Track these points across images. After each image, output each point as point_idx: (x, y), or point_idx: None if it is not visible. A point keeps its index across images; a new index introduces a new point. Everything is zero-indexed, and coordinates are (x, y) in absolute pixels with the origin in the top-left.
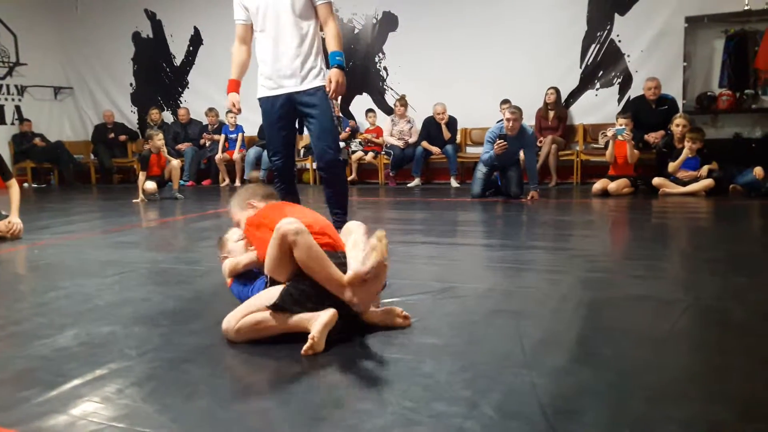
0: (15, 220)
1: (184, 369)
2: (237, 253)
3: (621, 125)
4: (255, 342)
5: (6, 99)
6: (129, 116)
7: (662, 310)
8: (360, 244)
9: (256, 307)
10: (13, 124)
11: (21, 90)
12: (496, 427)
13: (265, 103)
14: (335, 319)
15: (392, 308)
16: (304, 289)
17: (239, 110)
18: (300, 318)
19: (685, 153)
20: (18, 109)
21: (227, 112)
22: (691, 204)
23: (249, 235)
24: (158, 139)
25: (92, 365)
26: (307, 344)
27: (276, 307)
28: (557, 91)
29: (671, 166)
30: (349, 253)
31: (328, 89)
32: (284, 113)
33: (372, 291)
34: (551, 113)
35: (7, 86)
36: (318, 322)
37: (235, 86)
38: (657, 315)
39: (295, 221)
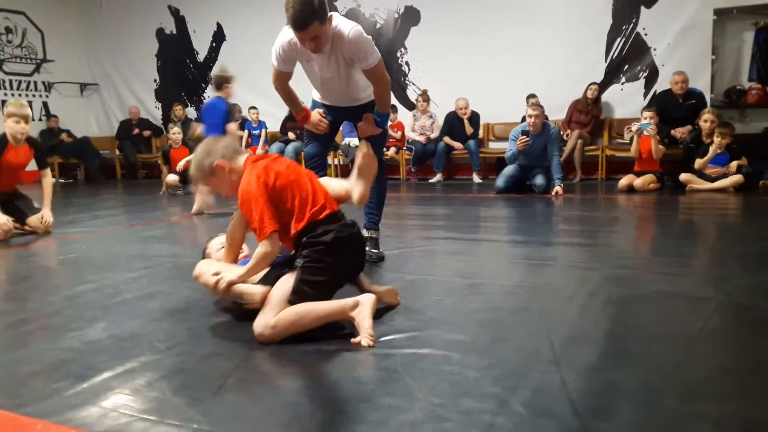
0: (47, 215)
1: (212, 362)
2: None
3: (646, 120)
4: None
5: (34, 95)
6: (153, 112)
7: (693, 307)
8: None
9: (283, 303)
10: (40, 120)
11: (48, 86)
12: (526, 424)
13: (319, 105)
14: (375, 303)
15: (392, 288)
16: (319, 281)
17: (327, 122)
18: (337, 310)
19: (714, 148)
20: (45, 105)
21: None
22: (720, 200)
23: (245, 209)
24: (173, 134)
25: (122, 358)
26: (367, 341)
27: (294, 302)
28: (599, 87)
29: (698, 162)
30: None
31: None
32: (334, 119)
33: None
34: (589, 108)
35: (35, 83)
36: (364, 315)
37: (306, 110)
38: (688, 312)
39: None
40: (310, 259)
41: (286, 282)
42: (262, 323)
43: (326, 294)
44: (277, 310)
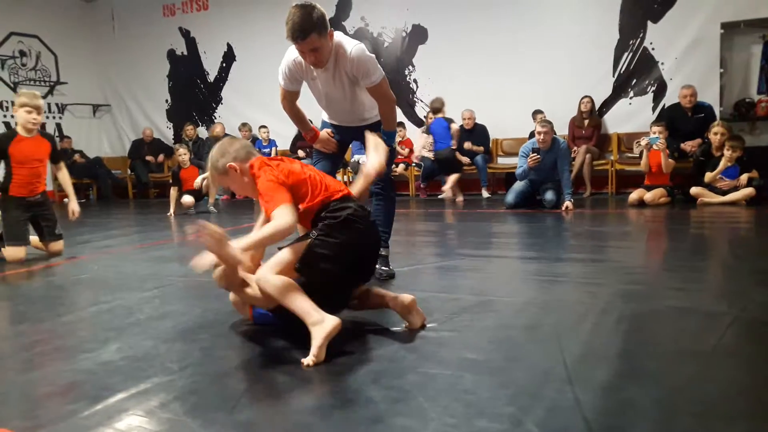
0: (75, 207)
1: (225, 383)
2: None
3: (655, 134)
4: (295, 359)
5: (48, 117)
6: (165, 132)
7: (707, 323)
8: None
9: (284, 265)
10: None
11: (62, 108)
12: None
13: (328, 125)
14: (338, 329)
15: (419, 310)
16: (328, 255)
17: (336, 142)
18: (309, 312)
19: (724, 162)
20: (59, 126)
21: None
22: (731, 213)
23: (263, 203)
24: (179, 155)
25: (135, 379)
26: (309, 359)
27: (300, 270)
28: (592, 99)
29: (709, 176)
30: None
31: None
32: (342, 138)
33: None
34: (586, 122)
35: (49, 105)
36: (321, 332)
37: (314, 130)
38: (701, 328)
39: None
40: (323, 233)
41: (297, 247)
42: (261, 273)
43: (332, 280)
44: (277, 270)
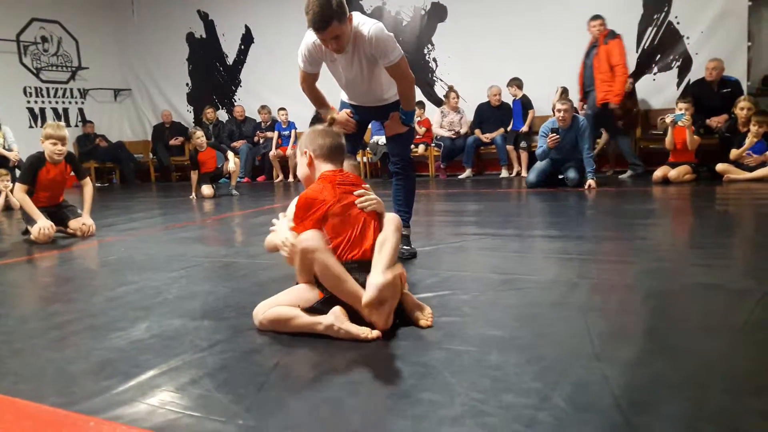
0: (88, 221)
1: (254, 360)
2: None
3: (681, 110)
4: (318, 333)
5: (70, 102)
6: (185, 115)
7: (735, 299)
8: (386, 245)
9: (284, 302)
10: (77, 126)
11: (83, 93)
12: (569, 419)
13: (347, 106)
14: (344, 313)
15: (424, 306)
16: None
17: (355, 122)
18: (312, 324)
19: (751, 137)
20: (81, 111)
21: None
22: (758, 190)
23: (295, 216)
24: (196, 137)
25: (166, 356)
26: (370, 334)
27: (310, 310)
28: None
29: (734, 152)
30: (375, 257)
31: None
32: (362, 118)
33: (386, 311)
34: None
35: (71, 90)
36: (338, 327)
37: (330, 106)
38: (730, 305)
39: (315, 237)
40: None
41: (296, 295)
42: (259, 312)
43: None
44: (273, 304)
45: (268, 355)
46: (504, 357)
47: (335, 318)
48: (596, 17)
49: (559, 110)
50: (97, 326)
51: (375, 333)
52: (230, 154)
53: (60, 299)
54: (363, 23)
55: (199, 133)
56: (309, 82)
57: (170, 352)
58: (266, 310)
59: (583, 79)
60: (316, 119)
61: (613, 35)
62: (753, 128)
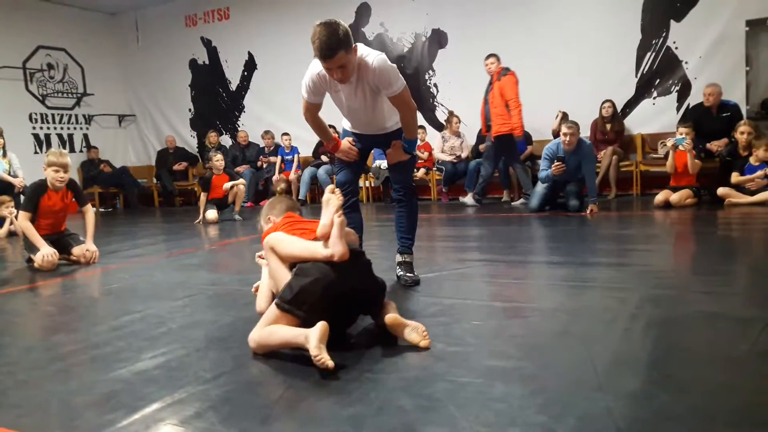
0: (91, 248)
1: (258, 392)
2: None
3: (681, 134)
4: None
5: (75, 128)
6: (189, 140)
7: (739, 328)
8: (326, 205)
9: (268, 319)
10: (81, 151)
11: (88, 119)
12: None
13: (349, 134)
14: (327, 331)
15: (417, 325)
16: (301, 285)
17: (357, 150)
18: (296, 334)
19: (756, 161)
20: (86, 137)
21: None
22: (760, 214)
23: (266, 255)
24: (217, 160)
25: (170, 388)
26: (320, 363)
27: (279, 306)
28: (613, 104)
29: (735, 176)
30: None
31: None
32: (364, 146)
33: (340, 237)
34: (608, 126)
35: (76, 116)
36: (312, 340)
37: (336, 139)
38: (734, 333)
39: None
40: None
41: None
42: (254, 336)
43: (307, 308)
44: (263, 324)
45: (272, 386)
46: (508, 388)
47: (320, 332)
48: (490, 56)
49: (565, 134)
50: (100, 357)
51: (330, 364)
52: (241, 180)
53: (63, 329)
54: (367, 54)
55: (219, 156)
56: (312, 112)
57: (175, 383)
58: (253, 336)
59: (485, 113)
60: (320, 144)
61: (506, 72)
62: (754, 152)
